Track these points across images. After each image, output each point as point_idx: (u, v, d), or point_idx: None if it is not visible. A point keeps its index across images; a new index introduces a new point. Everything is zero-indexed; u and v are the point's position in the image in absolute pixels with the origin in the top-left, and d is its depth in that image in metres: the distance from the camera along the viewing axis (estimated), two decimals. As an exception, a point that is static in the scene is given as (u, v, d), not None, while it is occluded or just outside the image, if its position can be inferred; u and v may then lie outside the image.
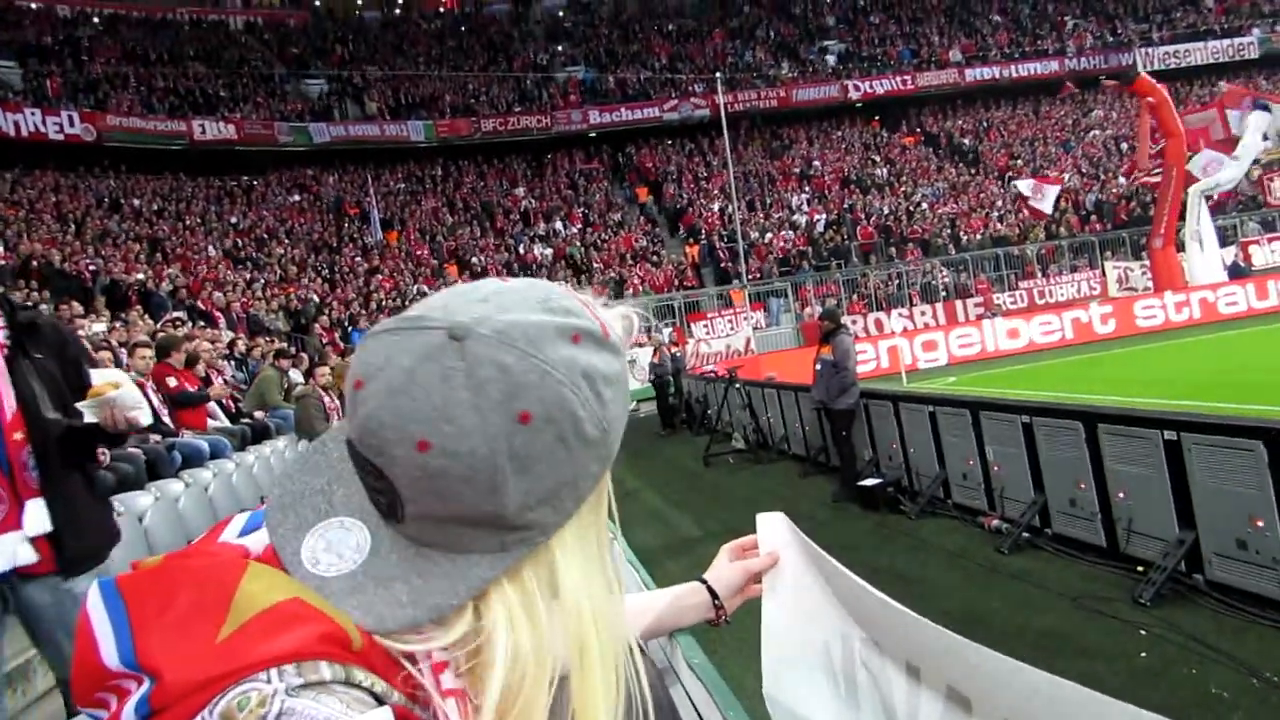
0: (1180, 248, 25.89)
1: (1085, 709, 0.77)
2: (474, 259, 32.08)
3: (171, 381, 8.72)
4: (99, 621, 0.68)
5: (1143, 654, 4.97)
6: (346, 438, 0.74)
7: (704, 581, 1.44)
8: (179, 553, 0.73)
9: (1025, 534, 7.34)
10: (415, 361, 0.69)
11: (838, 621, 1.25)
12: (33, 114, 30.47)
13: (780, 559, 1.41)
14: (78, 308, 13.87)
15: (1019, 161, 39.33)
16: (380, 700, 0.66)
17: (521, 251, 33.35)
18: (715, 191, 38.03)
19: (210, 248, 28.72)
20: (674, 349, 21.03)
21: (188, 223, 30.48)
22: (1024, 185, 28.26)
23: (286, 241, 31.50)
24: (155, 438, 7.43)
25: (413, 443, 0.68)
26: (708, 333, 26.28)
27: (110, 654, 0.66)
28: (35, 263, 17.33)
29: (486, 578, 0.72)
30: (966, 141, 42.00)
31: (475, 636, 0.72)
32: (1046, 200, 27.20)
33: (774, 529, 1.44)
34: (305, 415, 10.12)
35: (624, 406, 0.78)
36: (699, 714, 1.25)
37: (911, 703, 1.07)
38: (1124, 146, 38.47)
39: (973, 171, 39.89)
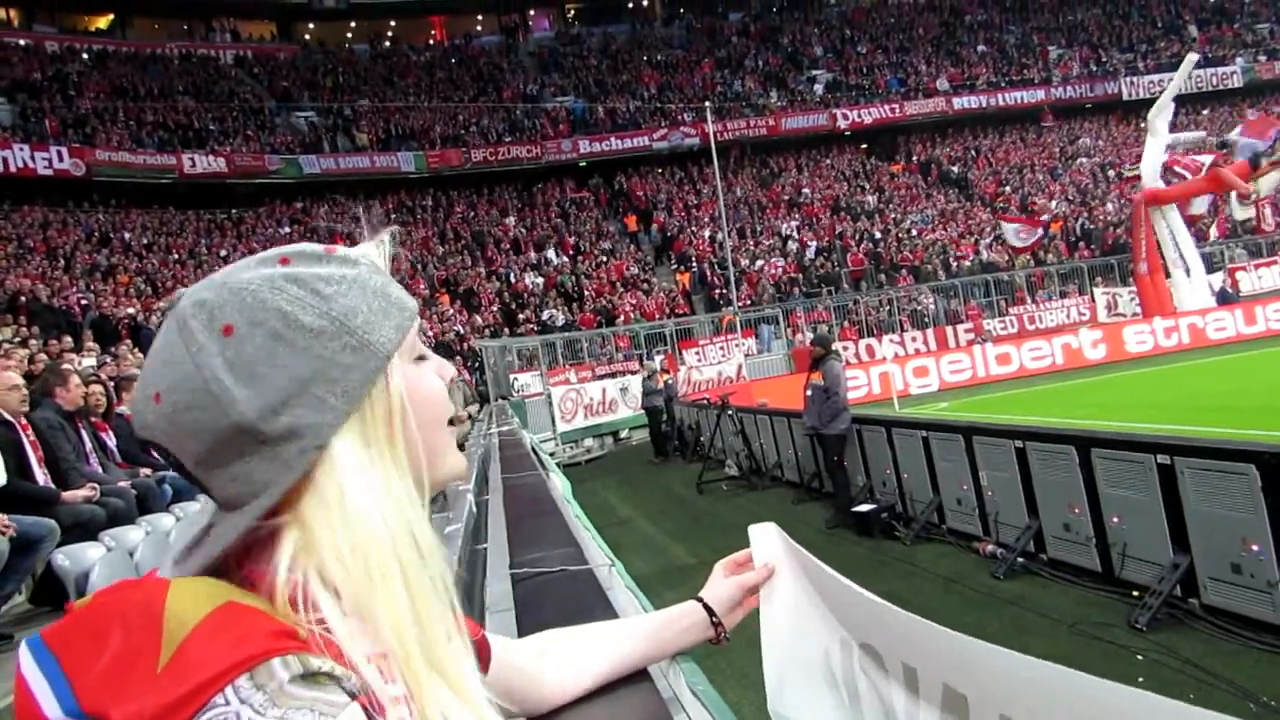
0: (1168, 274, 26.07)
1: (1082, 693, 0.76)
2: (464, 288, 32.07)
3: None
4: (34, 680, 0.67)
5: (1140, 679, 4.95)
6: None
7: (700, 600, 1.43)
8: (104, 590, 0.72)
9: (1020, 559, 7.34)
10: (152, 345, 0.78)
11: (835, 628, 1.25)
12: (21, 149, 30.37)
13: (775, 570, 1.41)
14: (68, 342, 13.81)
15: (1007, 188, 39.61)
16: (344, 688, 0.65)
17: (512, 280, 33.37)
18: (705, 219, 38.16)
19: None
20: (665, 376, 21.01)
21: (178, 256, 30.43)
22: (1009, 230, 28.82)
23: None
24: (146, 472, 7.39)
25: (151, 399, 0.75)
26: (699, 359, 26.25)
27: (53, 709, 0.65)
28: (23, 298, 17.26)
29: (276, 495, 0.74)
30: (955, 169, 42.28)
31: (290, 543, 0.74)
32: (1029, 239, 27.70)
33: (767, 540, 1.44)
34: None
35: (370, 303, 0.79)
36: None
37: (910, 703, 1.06)
38: (1110, 173, 38.78)
39: (962, 198, 40.14)
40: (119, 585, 0.73)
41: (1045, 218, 31.63)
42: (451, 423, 0.88)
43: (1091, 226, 35.58)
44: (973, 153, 43.48)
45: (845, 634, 1.22)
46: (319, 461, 0.74)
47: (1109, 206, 36.32)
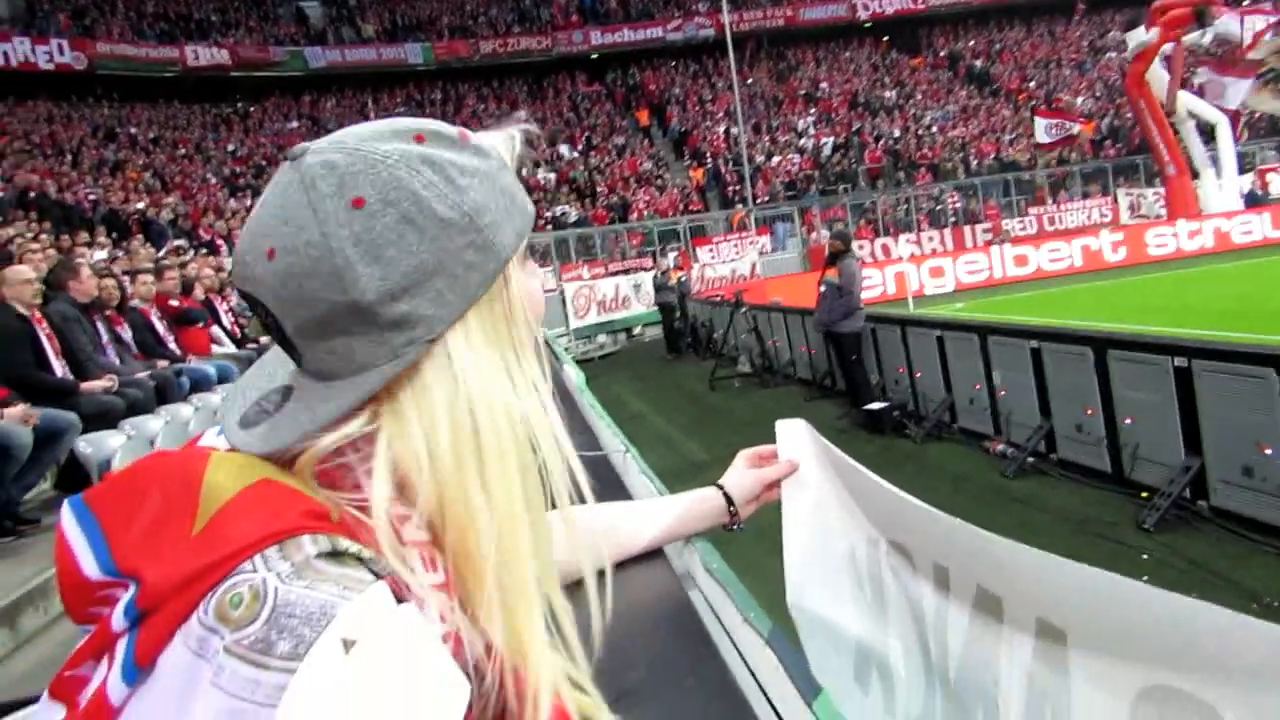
0: (1196, 175, 25.54)
1: (1124, 597, 0.75)
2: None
3: (173, 304, 8.73)
4: (74, 537, 0.68)
5: (1144, 578, 5.01)
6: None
7: (720, 487, 1.44)
8: (146, 456, 0.72)
9: (1031, 459, 7.38)
10: (265, 193, 0.74)
11: (863, 526, 1.24)
12: (22, 43, 29.81)
13: (801, 466, 1.40)
14: (81, 237, 13.80)
15: (1032, 84, 38.65)
16: (372, 570, 0.64)
17: (524, 175, 32.96)
18: (720, 114, 37.51)
19: (209, 175, 28.46)
20: (679, 273, 20.90)
21: (185, 151, 30.15)
22: (1040, 126, 28.08)
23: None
24: (163, 363, 7.46)
25: (263, 253, 0.71)
26: (713, 257, 26.09)
27: (90, 566, 0.66)
28: (32, 193, 17.19)
29: (378, 383, 0.72)
30: (978, 63, 41.22)
31: (371, 434, 0.72)
32: (1057, 137, 27.07)
33: (794, 435, 1.43)
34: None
35: (498, 201, 0.77)
36: (718, 617, 1.25)
37: (939, 603, 1.06)
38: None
39: (984, 95, 39.23)
40: (160, 453, 0.74)
41: (1075, 125, 30.67)
42: None
43: (1118, 124, 34.79)
44: (997, 47, 42.34)
45: (874, 531, 1.22)
46: (426, 354, 0.73)
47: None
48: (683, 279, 20.83)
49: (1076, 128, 28.98)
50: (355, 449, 0.72)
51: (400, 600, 0.64)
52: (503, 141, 0.82)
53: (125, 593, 0.64)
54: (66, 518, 0.69)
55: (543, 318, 0.85)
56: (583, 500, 0.82)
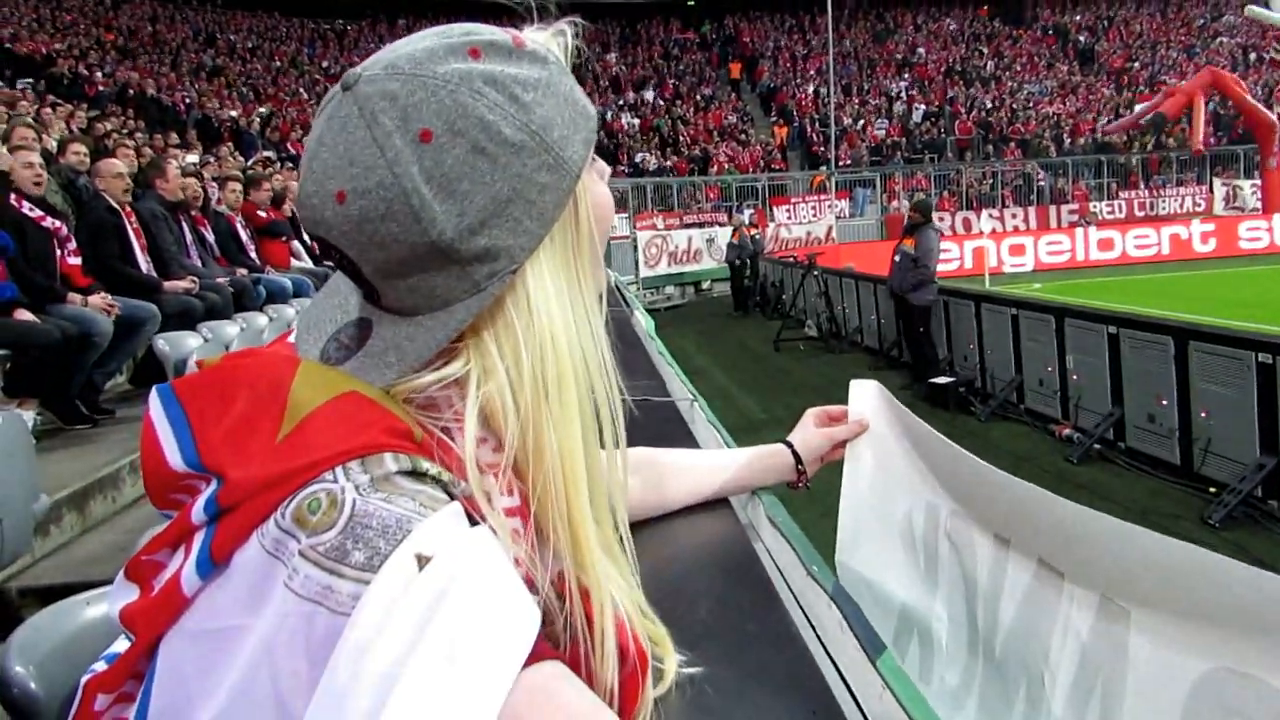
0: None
1: (1202, 571, 0.73)
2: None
3: (261, 214, 8.87)
4: (161, 427, 0.69)
5: (1205, 574, 4.92)
6: None
7: (789, 444, 1.43)
8: (236, 353, 0.73)
9: (1097, 445, 7.26)
10: (320, 126, 0.70)
11: (926, 491, 1.23)
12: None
13: (869, 426, 1.39)
14: (173, 138, 14.08)
15: (1136, 65, 37.28)
16: (449, 492, 0.65)
17: (609, 119, 32.86)
18: (812, 73, 36.82)
19: (301, 90, 28.77)
20: (753, 231, 20.71)
21: (280, 64, 30.50)
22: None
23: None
24: (242, 271, 7.60)
25: (332, 197, 0.68)
26: (789, 217, 25.80)
27: (175, 457, 0.67)
28: (131, 91, 17.53)
29: (465, 319, 0.71)
30: (1083, 39, 39.83)
31: (465, 372, 0.72)
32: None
33: (866, 397, 1.41)
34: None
35: (564, 112, 0.73)
36: (780, 570, 1.25)
37: (995, 574, 1.05)
38: (1252, 56, 36.17)
39: (1085, 72, 37.95)
40: (250, 352, 0.74)
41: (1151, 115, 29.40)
42: None
43: (1222, 112, 33.47)
44: (1105, 22, 40.84)
45: (937, 499, 1.20)
46: (507, 287, 0.72)
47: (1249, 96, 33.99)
48: (756, 236, 20.62)
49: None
50: (445, 386, 0.72)
51: (475, 523, 0.65)
52: (555, 41, 0.79)
53: (207, 487, 0.65)
54: (155, 406, 0.70)
55: (611, 226, 0.83)
56: (623, 430, 0.80)
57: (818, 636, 1.09)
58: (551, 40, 0.79)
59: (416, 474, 0.64)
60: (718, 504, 1.41)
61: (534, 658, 0.60)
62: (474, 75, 0.70)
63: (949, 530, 1.16)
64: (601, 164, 0.83)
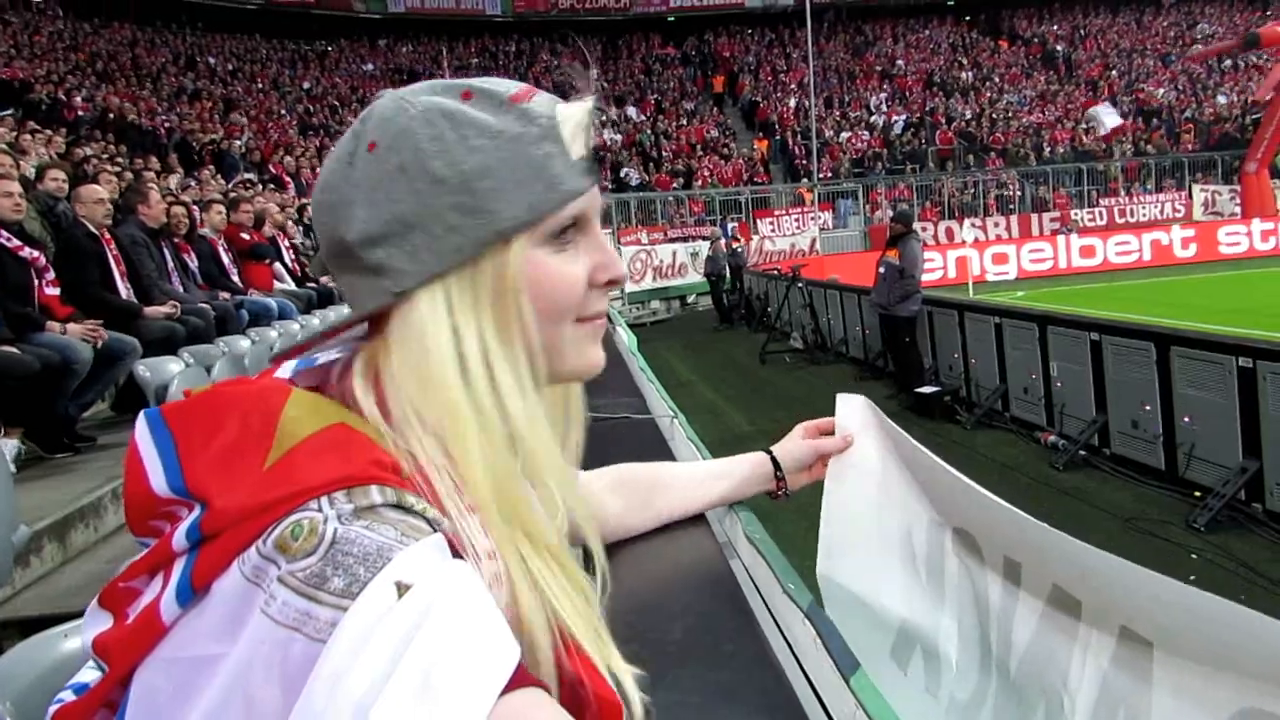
0: (1275, 174, 24.79)
1: (1219, 616, 0.72)
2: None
3: (244, 237, 8.86)
4: (147, 451, 0.68)
5: (1191, 577, 4.93)
6: None
7: (769, 453, 1.43)
8: (226, 381, 0.73)
9: (1082, 452, 7.28)
10: None
11: (925, 509, 1.22)
12: (109, -35, 30.34)
13: (856, 442, 1.39)
14: (154, 162, 14.03)
15: (1113, 73, 37.60)
16: (433, 526, 0.64)
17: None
18: (793, 86, 37.01)
19: (283, 112, 28.76)
20: (735, 244, 20.74)
21: (262, 85, 30.50)
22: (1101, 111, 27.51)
23: (359, 110, 31.38)
24: (225, 295, 7.57)
25: (319, 187, 0.78)
26: (773, 230, 25.89)
27: (159, 482, 0.66)
28: (111, 115, 17.49)
29: (357, 317, 0.76)
30: (1060, 48, 40.17)
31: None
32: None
33: (853, 411, 1.41)
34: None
35: (514, 169, 0.73)
36: (758, 587, 1.25)
37: (1007, 599, 1.04)
38: (1226, 64, 36.54)
39: (1064, 81, 38.26)
40: (240, 380, 0.74)
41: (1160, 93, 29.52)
42: (587, 319, 0.81)
43: (1199, 119, 33.78)
44: (1081, 32, 41.22)
45: (936, 516, 1.20)
46: (402, 307, 0.73)
47: (1220, 99, 34.32)
48: (737, 250, 20.65)
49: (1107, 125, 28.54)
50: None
51: (457, 555, 0.65)
52: (573, 112, 0.78)
53: (190, 513, 0.64)
54: (141, 429, 0.69)
55: (569, 308, 0.79)
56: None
57: (793, 654, 1.09)
58: (571, 110, 0.78)
59: (401, 508, 0.64)
60: (694, 520, 1.40)
61: (513, 684, 0.59)
62: (438, 109, 0.74)
63: (954, 549, 1.16)
64: (607, 259, 0.82)
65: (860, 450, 1.38)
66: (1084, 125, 32.98)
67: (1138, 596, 0.82)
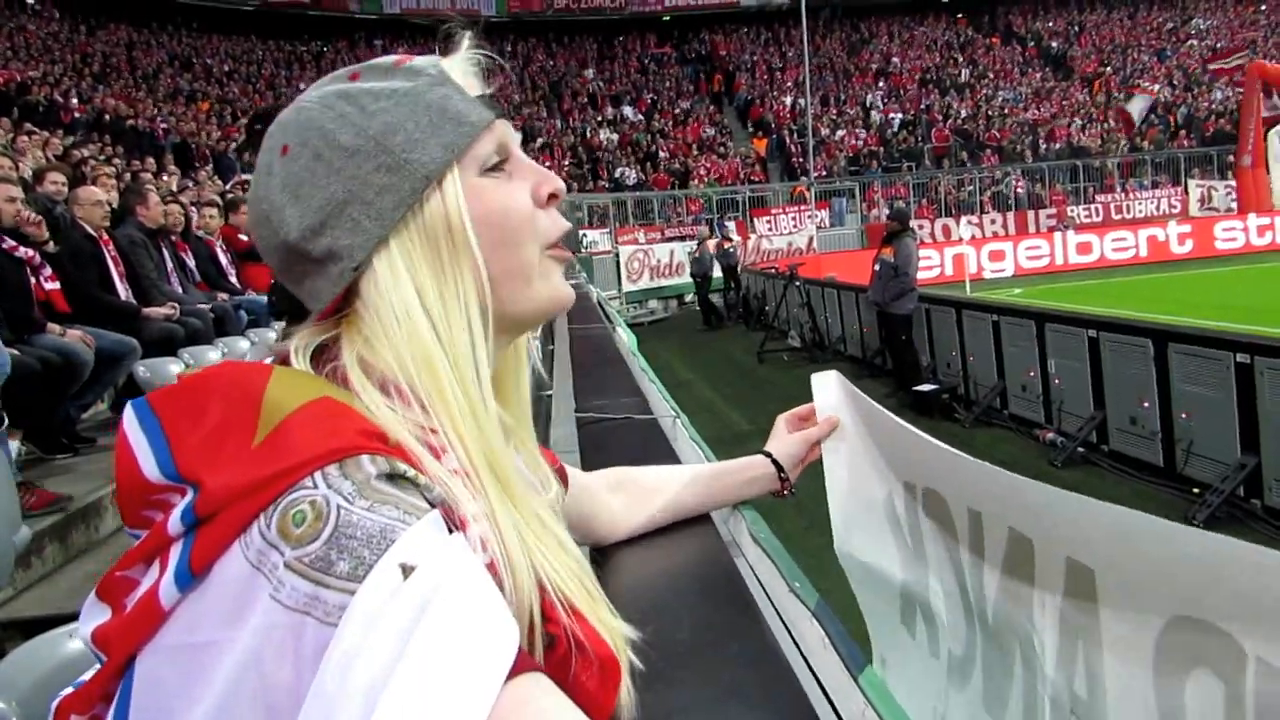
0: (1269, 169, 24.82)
1: (1154, 533, 0.75)
2: (538, 139, 31.71)
3: (242, 238, 8.83)
4: (136, 439, 0.68)
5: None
6: None
7: (768, 454, 1.43)
8: (211, 365, 0.73)
9: (1081, 449, 7.29)
10: None
11: (900, 472, 1.24)
12: (106, -34, 30.25)
13: (838, 420, 1.40)
14: (150, 164, 14.01)
15: (1108, 69, 37.63)
16: (428, 499, 0.65)
17: (587, 135, 32.90)
18: (789, 84, 37.00)
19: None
20: (727, 244, 20.69)
21: (257, 86, 30.46)
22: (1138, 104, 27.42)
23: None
24: (223, 296, 7.57)
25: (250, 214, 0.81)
26: (770, 229, 25.88)
27: (151, 468, 0.66)
28: (108, 117, 17.46)
29: (319, 306, 0.77)
30: (1055, 45, 40.19)
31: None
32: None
33: (828, 388, 1.43)
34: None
35: (418, 119, 0.76)
36: (764, 587, 1.25)
37: (974, 550, 1.06)
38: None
39: (1059, 77, 38.28)
40: (225, 363, 0.74)
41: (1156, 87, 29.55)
42: (554, 246, 0.84)
43: (1194, 114, 33.80)
44: (1076, 28, 41.24)
45: (911, 479, 1.21)
46: (364, 280, 0.75)
47: (1215, 94, 34.34)
48: (729, 250, 20.59)
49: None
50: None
51: (451, 529, 0.65)
52: (455, 58, 0.84)
53: (182, 498, 0.64)
54: (129, 419, 0.69)
55: (522, 233, 0.80)
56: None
57: (801, 653, 1.09)
58: (454, 60, 0.84)
59: (393, 476, 0.64)
60: (699, 520, 1.41)
61: (516, 669, 0.59)
62: (332, 94, 0.78)
63: (926, 508, 1.18)
64: (540, 176, 0.84)
65: (843, 427, 1.40)
66: (1120, 104, 32.72)
67: (1078, 525, 0.84)
